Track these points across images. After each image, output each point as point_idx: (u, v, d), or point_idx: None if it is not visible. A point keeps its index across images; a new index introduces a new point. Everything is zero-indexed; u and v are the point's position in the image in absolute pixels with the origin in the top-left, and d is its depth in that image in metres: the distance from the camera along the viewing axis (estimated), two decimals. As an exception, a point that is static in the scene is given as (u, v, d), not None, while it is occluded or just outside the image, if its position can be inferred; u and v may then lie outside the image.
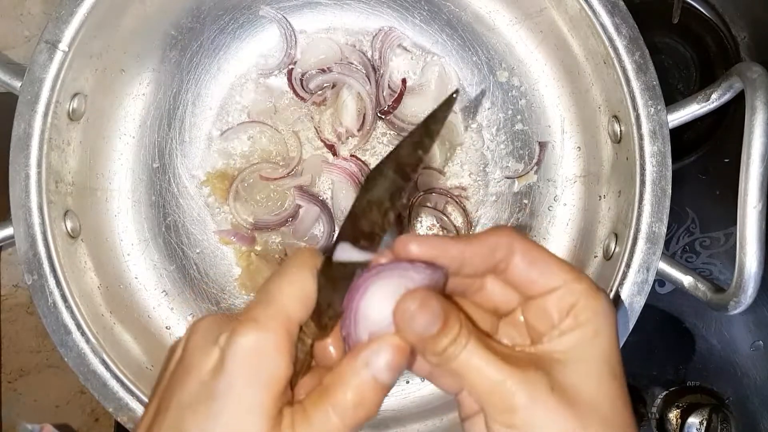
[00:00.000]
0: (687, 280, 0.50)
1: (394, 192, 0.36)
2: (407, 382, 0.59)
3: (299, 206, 0.61)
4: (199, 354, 0.35)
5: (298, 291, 0.36)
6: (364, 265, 0.36)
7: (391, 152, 0.37)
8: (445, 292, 0.37)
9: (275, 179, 0.61)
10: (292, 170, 0.61)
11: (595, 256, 0.55)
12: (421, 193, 0.61)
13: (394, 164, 0.37)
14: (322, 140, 0.62)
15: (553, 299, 0.36)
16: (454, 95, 0.38)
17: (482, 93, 0.62)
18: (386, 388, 0.35)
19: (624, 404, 0.35)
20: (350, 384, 0.34)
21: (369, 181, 0.37)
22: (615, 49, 0.51)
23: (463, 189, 0.62)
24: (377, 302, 0.35)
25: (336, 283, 0.36)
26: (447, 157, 0.62)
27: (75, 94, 0.53)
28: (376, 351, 0.34)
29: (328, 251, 0.37)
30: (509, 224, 0.61)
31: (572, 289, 0.36)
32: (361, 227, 0.37)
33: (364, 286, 0.35)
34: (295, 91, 0.62)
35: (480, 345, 0.34)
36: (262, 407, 0.33)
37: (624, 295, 0.49)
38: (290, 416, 0.34)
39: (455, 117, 0.62)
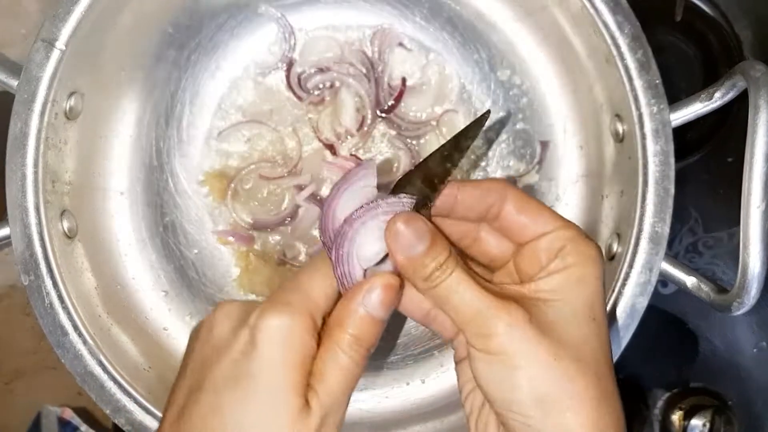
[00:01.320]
0: (690, 280, 0.50)
1: (421, 200, 0.39)
2: (407, 384, 0.59)
3: (298, 206, 0.61)
4: (229, 334, 0.37)
5: (326, 284, 0.38)
6: None
7: (420, 163, 0.40)
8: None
9: (274, 179, 0.60)
10: (291, 169, 0.61)
11: (597, 257, 0.55)
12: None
13: (423, 174, 0.39)
14: (320, 140, 0.61)
15: (543, 243, 0.38)
16: (486, 115, 0.42)
17: (483, 91, 0.62)
18: (382, 322, 0.38)
19: (600, 344, 0.37)
20: (350, 323, 0.37)
21: (397, 188, 0.40)
22: (617, 47, 0.50)
23: (464, 188, 0.61)
24: (367, 240, 0.38)
25: None
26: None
27: (72, 93, 0.53)
28: (369, 290, 0.37)
29: None
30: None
31: (561, 235, 0.38)
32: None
33: (352, 228, 0.38)
34: (293, 90, 0.61)
35: (465, 273, 0.37)
36: (294, 384, 0.35)
37: (626, 295, 0.49)
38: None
39: (456, 116, 0.61)
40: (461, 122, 0.61)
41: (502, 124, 0.62)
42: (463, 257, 0.40)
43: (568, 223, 0.39)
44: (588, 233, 0.39)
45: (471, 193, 0.39)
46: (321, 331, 0.38)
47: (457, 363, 0.42)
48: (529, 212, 0.39)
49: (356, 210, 0.38)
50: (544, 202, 0.39)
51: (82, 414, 0.67)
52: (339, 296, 0.39)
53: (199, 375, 0.37)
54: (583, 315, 0.37)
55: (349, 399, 0.38)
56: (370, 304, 0.37)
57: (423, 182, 0.39)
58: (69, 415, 0.66)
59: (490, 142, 0.62)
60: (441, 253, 0.37)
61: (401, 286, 0.38)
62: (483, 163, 0.62)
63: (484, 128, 0.61)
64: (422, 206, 0.39)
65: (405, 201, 0.38)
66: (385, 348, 0.60)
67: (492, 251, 0.41)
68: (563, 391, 0.35)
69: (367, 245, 0.38)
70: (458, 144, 0.40)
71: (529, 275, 0.38)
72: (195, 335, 0.40)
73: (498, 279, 0.41)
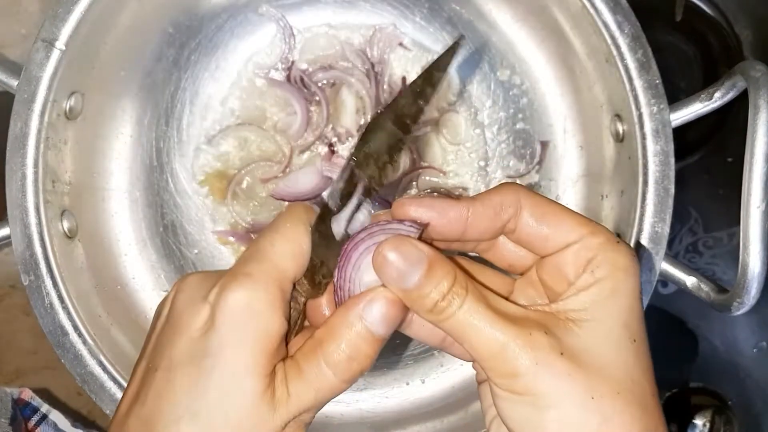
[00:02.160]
0: (690, 280, 0.50)
1: (393, 145, 0.35)
2: (407, 384, 0.59)
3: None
4: (188, 311, 0.34)
5: (291, 247, 0.34)
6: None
7: (391, 102, 0.36)
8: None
9: (271, 179, 0.60)
10: (285, 169, 0.61)
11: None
12: (422, 193, 0.61)
13: (393, 115, 0.36)
14: (320, 139, 0.61)
15: (569, 255, 0.33)
16: (459, 42, 0.37)
17: (483, 91, 0.62)
18: (381, 341, 0.34)
19: (643, 371, 0.32)
20: (344, 337, 0.33)
21: (367, 133, 0.36)
22: (617, 47, 0.50)
23: (465, 189, 0.61)
24: (369, 264, 0.33)
25: (330, 240, 0.35)
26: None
27: (72, 93, 0.53)
28: (370, 302, 0.33)
29: (323, 207, 0.36)
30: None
31: (588, 244, 0.33)
32: (356, 181, 0.36)
33: (355, 249, 0.34)
34: (293, 90, 0.61)
35: (479, 302, 0.32)
36: (255, 365, 0.32)
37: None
38: (283, 371, 0.33)
39: (456, 116, 0.61)
40: (461, 122, 0.61)
41: (501, 122, 0.62)
42: (474, 271, 0.36)
43: (595, 228, 0.33)
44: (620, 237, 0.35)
45: (482, 214, 0.34)
46: (292, 299, 0.34)
47: (479, 383, 0.38)
48: (549, 221, 0.34)
49: (358, 233, 0.34)
50: (563, 205, 0.35)
51: (42, 394, 0.64)
52: (311, 262, 0.35)
53: (157, 355, 0.34)
54: (620, 337, 0.32)
55: (318, 410, 0.34)
56: (370, 317, 0.33)
57: (395, 124, 0.35)
58: (28, 395, 0.62)
59: (489, 141, 0.62)
60: (443, 279, 0.32)
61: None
62: (483, 164, 0.61)
63: (484, 126, 0.62)
64: (396, 150, 0.35)
65: (409, 228, 0.33)
66: (385, 348, 0.60)
67: (510, 258, 0.36)
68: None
69: (366, 273, 0.34)
70: (430, 78, 0.36)
71: (556, 293, 0.34)
72: (156, 314, 0.37)
73: (521, 289, 0.37)
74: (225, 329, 0.32)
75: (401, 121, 0.35)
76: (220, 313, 0.32)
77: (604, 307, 0.32)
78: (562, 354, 0.31)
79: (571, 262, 0.33)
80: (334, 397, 0.34)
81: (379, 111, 0.36)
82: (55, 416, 0.63)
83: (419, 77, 0.36)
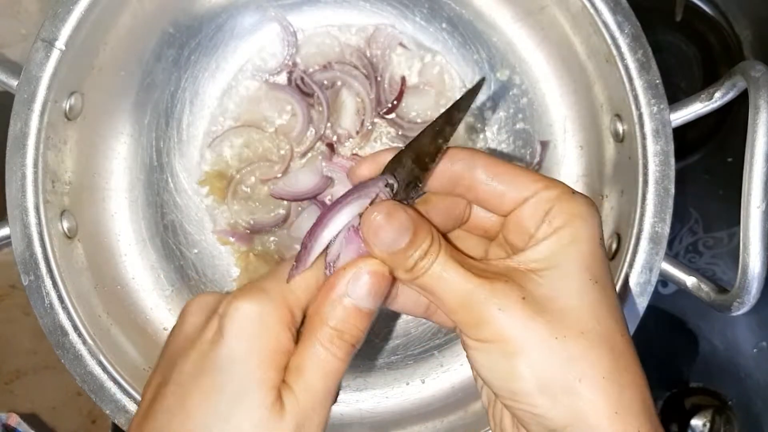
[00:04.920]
0: (690, 280, 0.50)
1: (411, 180, 0.35)
2: (407, 384, 0.59)
3: (299, 206, 0.61)
4: (200, 325, 0.34)
5: (308, 276, 0.35)
6: None
7: (412, 141, 0.36)
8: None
9: (274, 179, 0.60)
10: (285, 170, 0.61)
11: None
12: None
13: (414, 154, 0.36)
14: (320, 140, 0.61)
15: (526, 210, 0.34)
16: (481, 83, 0.37)
17: (483, 91, 0.62)
18: (371, 314, 0.34)
19: (609, 310, 0.33)
20: (332, 315, 0.33)
21: (387, 170, 0.36)
22: (617, 47, 0.50)
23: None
24: (351, 234, 0.34)
25: None
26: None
27: (72, 93, 0.53)
28: (355, 279, 0.33)
29: None
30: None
31: (545, 197, 0.34)
32: None
33: (328, 217, 0.34)
34: (293, 90, 0.61)
35: (449, 257, 0.33)
36: (265, 380, 0.32)
37: (627, 296, 0.49)
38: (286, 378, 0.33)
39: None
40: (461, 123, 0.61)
41: (501, 122, 0.62)
42: (450, 235, 0.37)
43: (550, 183, 0.34)
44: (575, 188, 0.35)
45: (442, 168, 0.35)
46: (301, 327, 0.34)
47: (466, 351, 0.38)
48: (503, 178, 0.35)
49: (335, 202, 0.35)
50: (518, 165, 0.35)
51: (30, 420, 0.64)
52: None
53: (168, 369, 0.34)
54: (581, 280, 0.32)
55: (332, 400, 0.34)
56: (355, 293, 0.33)
57: (414, 162, 0.36)
58: (15, 421, 0.63)
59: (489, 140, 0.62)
60: (424, 240, 0.33)
61: (392, 276, 0.34)
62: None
63: (484, 126, 0.62)
64: (412, 187, 0.35)
65: (384, 189, 0.35)
66: (385, 348, 0.60)
67: (484, 224, 0.37)
68: (570, 372, 0.31)
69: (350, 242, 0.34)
70: (450, 118, 0.36)
71: (519, 247, 0.35)
72: (171, 335, 0.37)
73: (493, 252, 0.38)
74: (233, 340, 0.32)
75: (421, 159, 0.36)
76: (228, 323, 0.32)
77: (563, 254, 0.33)
78: (524, 299, 0.32)
79: (529, 216, 0.34)
80: (336, 381, 0.34)
81: (400, 149, 0.36)
82: None
83: (440, 117, 0.36)
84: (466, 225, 0.38)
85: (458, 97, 0.37)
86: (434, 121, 0.37)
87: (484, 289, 0.32)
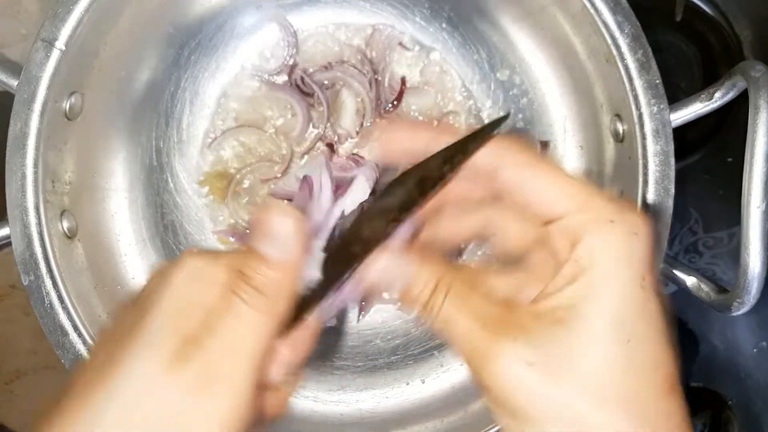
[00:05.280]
0: (690, 280, 0.50)
1: (406, 203, 0.33)
2: (407, 384, 0.59)
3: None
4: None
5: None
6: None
7: (421, 162, 0.34)
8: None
9: (274, 179, 0.60)
10: (285, 170, 0.61)
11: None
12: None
13: (419, 176, 0.34)
14: (320, 140, 0.61)
15: (554, 233, 0.28)
16: (504, 119, 0.35)
17: (483, 91, 0.62)
18: (295, 265, 0.31)
19: (636, 375, 0.27)
20: (246, 265, 0.31)
21: (389, 187, 0.35)
22: (617, 47, 0.50)
23: (464, 188, 0.61)
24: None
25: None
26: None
27: (72, 93, 0.53)
28: (272, 223, 0.31)
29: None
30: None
31: (574, 223, 0.27)
32: (360, 232, 0.35)
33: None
34: (293, 90, 0.61)
35: (460, 298, 0.29)
36: (170, 331, 0.30)
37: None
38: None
39: (456, 117, 0.61)
40: (462, 122, 0.61)
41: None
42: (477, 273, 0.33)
43: (587, 201, 0.28)
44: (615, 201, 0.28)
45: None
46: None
47: None
48: (531, 185, 0.29)
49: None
50: (554, 166, 0.29)
51: None
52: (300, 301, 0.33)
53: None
54: (607, 341, 0.27)
55: (257, 355, 0.29)
56: (275, 243, 0.30)
57: (416, 183, 0.34)
58: None
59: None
60: (431, 278, 0.30)
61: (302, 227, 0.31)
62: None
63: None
64: (405, 210, 0.33)
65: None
66: (385, 348, 0.60)
67: (512, 239, 0.32)
68: None
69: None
70: (465, 146, 0.33)
71: (561, 260, 0.29)
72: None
73: (539, 259, 0.31)
74: (168, 288, 0.31)
75: (423, 182, 0.34)
76: (174, 271, 0.32)
77: (589, 305, 0.27)
78: (531, 365, 0.27)
79: (557, 242, 0.28)
80: (261, 345, 0.30)
81: (405, 169, 0.35)
82: None
83: (457, 143, 0.33)
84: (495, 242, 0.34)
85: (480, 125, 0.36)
86: (449, 145, 0.34)
87: (487, 346, 0.28)
